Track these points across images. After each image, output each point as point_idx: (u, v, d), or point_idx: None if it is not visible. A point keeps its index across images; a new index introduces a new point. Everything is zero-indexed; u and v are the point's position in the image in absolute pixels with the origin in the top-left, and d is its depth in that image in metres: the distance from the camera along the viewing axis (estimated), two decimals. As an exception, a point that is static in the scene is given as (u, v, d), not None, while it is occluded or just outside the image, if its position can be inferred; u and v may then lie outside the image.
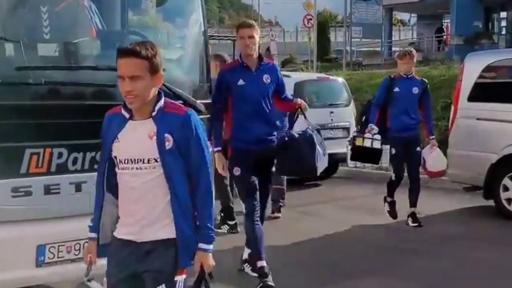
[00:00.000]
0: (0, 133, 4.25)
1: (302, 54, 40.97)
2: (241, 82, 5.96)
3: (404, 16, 56.92)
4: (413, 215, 8.66)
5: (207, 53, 5.67)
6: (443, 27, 40.64)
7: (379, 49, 39.56)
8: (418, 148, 8.54)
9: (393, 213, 8.85)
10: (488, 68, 9.49)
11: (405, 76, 8.51)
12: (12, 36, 4.40)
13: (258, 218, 6.03)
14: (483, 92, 9.44)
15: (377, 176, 12.37)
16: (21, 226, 4.39)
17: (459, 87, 9.70)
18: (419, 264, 6.96)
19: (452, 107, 9.86)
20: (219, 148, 6.00)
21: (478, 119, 9.31)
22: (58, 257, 4.55)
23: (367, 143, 8.51)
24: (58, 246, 4.54)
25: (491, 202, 9.35)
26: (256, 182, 5.99)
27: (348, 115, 12.63)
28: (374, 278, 6.48)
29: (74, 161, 4.54)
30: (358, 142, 8.64)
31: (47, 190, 4.44)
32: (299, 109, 6.33)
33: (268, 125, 6.08)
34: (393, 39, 43.13)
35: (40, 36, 4.72)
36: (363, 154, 8.74)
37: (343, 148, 11.93)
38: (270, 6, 74.67)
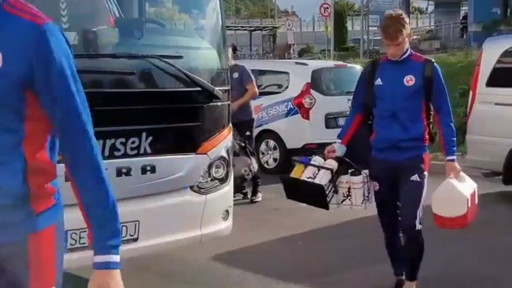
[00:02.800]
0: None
1: (319, 43, 40.92)
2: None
3: (422, 3, 56.56)
4: None
5: (225, 43, 5.71)
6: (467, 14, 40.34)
7: (396, 37, 39.32)
8: (415, 177, 5.14)
9: None
10: (506, 53, 9.42)
11: (393, 60, 5.16)
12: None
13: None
14: (501, 77, 9.38)
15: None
16: (43, 213, 4.44)
17: (477, 72, 9.64)
18: (439, 251, 6.95)
19: (471, 93, 9.82)
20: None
21: (496, 104, 9.27)
22: (80, 243, 4.60)
23: (308, 174, 5.34)
24: (80, 232, 4.59)
25: (510, 188, 9.32)
26: None
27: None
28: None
29: (93, 149, 4.56)
30: (296, 171, 5.49)
31: (66, 177, 4.48)
32: None
33: None
34: (410, 27, 42.81)
35: (59, 25, 4.75)
36: (299, 192, 5.49)
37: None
38: (286, -4, 74.46)
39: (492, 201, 9.43)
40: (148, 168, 4.85)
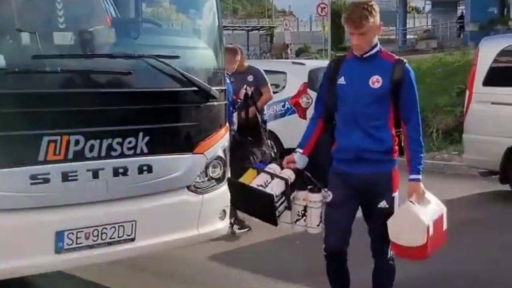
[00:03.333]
0: (18, 121, 4.32)
1: (317, 43, 40.90)
2: None
3: (419, 3, 56.58)
4: None
5: (221, 43, 5.71)
6: (463, 13, 40.40)
7: (393, 37, 39.39)
8: (383, 204, 4.47)
9: None
10: (503, 52, 9.43)
11: (359, 56, 4.45)
12: (28, 26, 4.47)
13: None
14: (498, 76, 9.39)
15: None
16: (40, 213, 4.45)
17: (474, 71, 9.65)
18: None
19: (467, 92, 9.83)
20: None
21: (493, 103, 9.27)
22: (76, 244, 4.60)
23: (259, 181, 4.60)
24: (77, 232, 4.59)
25: (507, 187, 9.33)
26: None
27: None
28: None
29: (91, 148, 4.58)
30: (246, 176, 4.75)
31: (65, 177, 4.49)
32: None
33: None
34: (407, 26, 42.91)
35: (56, 25, 4.76)
36: (247, 200, 4.77)
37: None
38: (283, -4, 74.61)
39: (489, 200, 9.46)
40: (145, 168, 4.86)
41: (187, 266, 6.37)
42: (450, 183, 10.20)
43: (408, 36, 40.32)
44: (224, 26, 9.17)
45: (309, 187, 4.57)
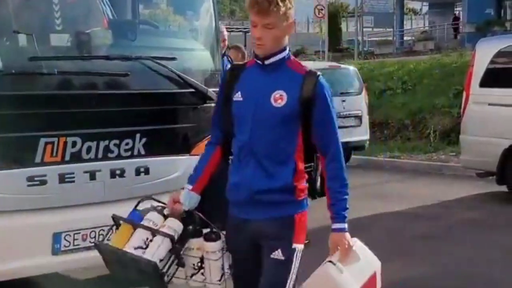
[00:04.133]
0: (15, 123, 4.31)
1: (314, 45, 40.84)
2: None
3: (416, 4, 56.59)
4: None
5: (218, 44, 5.71)
6: (460, 15, 40.44)
7: (391, 38, 39.43)
8: (277, 254, 3.32)
9: None
10: (500, 54, 9.47)
11: (260, 63, 3.37)
12: (25, 27, 4.46)
13: None
14: (494, 77, 9.42)
15: (390, 164, 12.37)
16: (37, 214, 4.45)
17: (470, 73, 9.68)
18: (432, 249, 6.99)
19: (464, 93, 9.85)
20: None
21: (490, 104, 9.31)
22: (74, 245, 4.60)
23: (136, 242, 3.37)
24: (74, 234, 4.59)
25: (504, 188, 9.35)
26: None
27: (360, 103, 12.64)
28: (387, 263, 6.46)
29: (88, 150, 4.58)
30: (119, 236, 3.50)
31: (62, 179, 4.49)
32: None
33: None
34: (404, 28, 42.95)
35: (53, 27, 4.77)
36: (123, 266, 3.46)
37: (355, 136, 12.01)
38: (281, -2, 74.41)
39: (486, 201, 9.48)
40: (142, 169, 4.85)
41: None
42: (447, 184, 10.22)
43: (405, 38, 40.32)
44: (221, 28, 9.29)
45: (204, 232, 3.43)
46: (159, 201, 3.59)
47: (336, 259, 3.34)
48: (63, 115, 4.49)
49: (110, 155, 4.69)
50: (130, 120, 4.82)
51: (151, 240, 3.34)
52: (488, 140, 9.22)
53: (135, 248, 3.33)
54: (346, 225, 3.34)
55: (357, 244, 3.46)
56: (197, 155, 5.17)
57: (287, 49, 3.39)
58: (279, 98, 3.27)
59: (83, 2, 5.18)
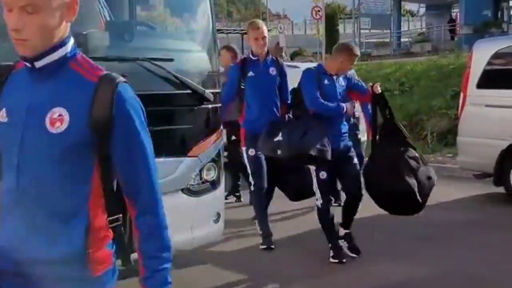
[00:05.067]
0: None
1: (311, 46, 40.91)
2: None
3: (413, 6, 56.67)
4: None
5: (216, 45, 5.71)
6: (456, 17, 40.47)
7: (388, 40, 39.47)
8: None
9: None
10: (497, 55, 9.47)
11: (28, 66, 2.32)
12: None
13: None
14: (492, 79, 9.42)
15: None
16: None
17: (468, 74, 9.68)
18: (431, 250, 6.99)
19: (461, 95, 9.85)
20: None
21: (487, 106, 9.31)
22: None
23: None
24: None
25: (501, 189, 9.36)
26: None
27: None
28: (386, 264, 6.50)
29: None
30: None
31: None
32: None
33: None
34: (402, 29, 42.99)
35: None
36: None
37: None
38: (278, -1, 74.72)
39: (483, 202, 9.48)
40: (139, 171, 4.83)
41: (185, 268, 6.36)
42: (444, 185, 10.19)
43: (402, 39, 40.38)
44: (219, 30, 9.23)
45: None
46: None
47: None
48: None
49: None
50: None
51: None
52: (485, 142, 9.23)
53: None
54: None
55: None
56: (195, 156, 5.22)
57: (70, 42, 2.29)
58: (57, 120, 2.17)
59: (80, 3, 5.16)
